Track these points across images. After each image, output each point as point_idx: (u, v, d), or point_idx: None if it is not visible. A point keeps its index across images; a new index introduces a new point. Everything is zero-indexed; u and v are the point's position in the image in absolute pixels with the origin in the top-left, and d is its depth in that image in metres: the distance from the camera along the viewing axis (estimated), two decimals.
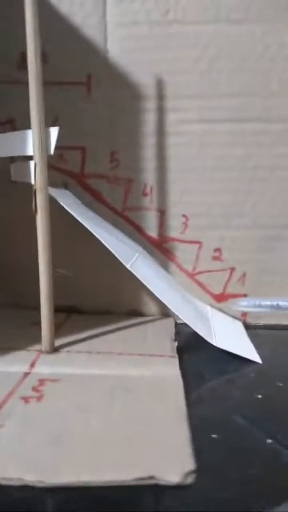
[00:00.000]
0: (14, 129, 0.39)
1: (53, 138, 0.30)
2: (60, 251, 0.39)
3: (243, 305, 0.39)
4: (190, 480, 0.18)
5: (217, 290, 0.40)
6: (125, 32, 0.38)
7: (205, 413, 0.25)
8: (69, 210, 0.32)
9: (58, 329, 0.36)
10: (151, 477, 0.18)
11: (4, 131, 0.39)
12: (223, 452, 0.21)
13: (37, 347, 0.32)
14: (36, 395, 0.25)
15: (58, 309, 0.41)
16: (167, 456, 0.20)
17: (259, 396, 0.27)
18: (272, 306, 0.38)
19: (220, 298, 0.40)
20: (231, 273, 0.40)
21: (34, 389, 0.26)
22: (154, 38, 0.38)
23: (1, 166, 0.39)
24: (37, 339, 0.32)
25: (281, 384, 0.28)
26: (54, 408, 0.24)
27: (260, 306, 0.38)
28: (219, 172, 0.39)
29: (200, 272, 0.40)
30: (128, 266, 0.32)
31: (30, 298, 0.41)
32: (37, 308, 0.41)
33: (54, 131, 0.30)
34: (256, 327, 0.40)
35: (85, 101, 0.39)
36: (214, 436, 0.22)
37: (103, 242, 0.32)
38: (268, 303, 0.38)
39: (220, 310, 0.40)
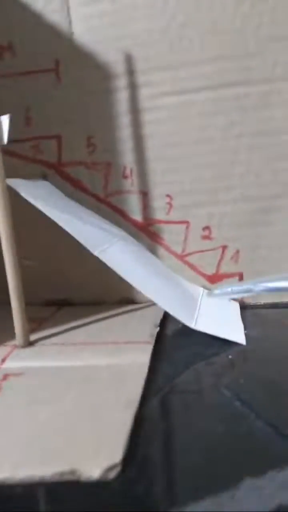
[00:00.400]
0: None
1: (5, 127, 0.29)
2: (44, 243, 0.39)
3: (216, 293, 0.36)
4: (112, 474, 0.16)
5: (210, 271, 0.38)
6: (88, 10, 0.36)
7: (163, 402, 0.23)
8: (31, 200, 0.31)
9: (42, 324, 0.35)
10: (72, 472, 0.17)
11: None
12: (164, 444, 0.19)
13: (13, 342, 0.31)
14: None
15: (49, 303, 0.41)
16: (98, 449, 0.18)
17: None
18: (245, 291, 0.35)
19: (213, 279, 0.38)
20: (223, 252, 0.38)
21: None
22: (118, 13, 0.36)
23: None
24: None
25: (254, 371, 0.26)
26: (6, 402, 0.23)
27: (233, 292, 0.35)
28: (201, 145, 0.37)
29: (190, 253, 0.38)
30: (96, 253, 0.31)
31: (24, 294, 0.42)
32: (27, 303, 0.40)
33: (5, 120, 0.29)
34: (255, 306, 0.37)
35: (56, 88, 0.38)
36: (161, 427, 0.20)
37: (66, 229, 0.31)
38: (239, 287, 0.35)
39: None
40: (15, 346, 0.31)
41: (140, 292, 0.39)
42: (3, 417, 0.22)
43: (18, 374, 0.26)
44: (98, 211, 0.38)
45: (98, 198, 0.39)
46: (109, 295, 0.40)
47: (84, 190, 0.39)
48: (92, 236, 0.32)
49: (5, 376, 0.26)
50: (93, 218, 0.36)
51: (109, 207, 0.39)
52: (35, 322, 0.35)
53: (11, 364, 0.28)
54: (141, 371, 0.25)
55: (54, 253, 0.39)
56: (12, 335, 0.32)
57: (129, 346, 0.29)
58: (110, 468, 0.17)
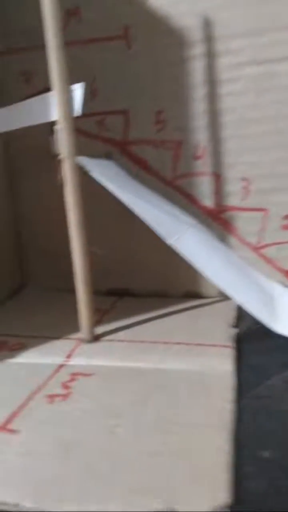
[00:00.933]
0: None
1: (78, 97, 0.26)
2: (107, 229, 0.36)
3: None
4: None
5: None
6: None
7: (258, 423, 0.20)
8: (102, 181, 0.28)
9: (104, 315, 0.33)
10: (171, 510, 0.14)
11: None
12: (275, 478, 0.16)
13: (77, 335, 0.29)
14: (63, 392, 0.22)
15: (108, 293, 0.38)
16: (197, 482, 0.15)
17: None
18: None
19: None
20: None
21: (63, 385, 0.23)
22: None
23: (41, 141, 0.36)
24: (78, 326, 0.29)
25: None
26: (76, 411, 0.20)
27: None
28: (284, 122, 0.32)
29: (266, 245, 0.34)
30: (170, 242, 0.27)
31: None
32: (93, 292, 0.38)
33: (78, 89, 0.26)
34: None
35: (124, 57, 0.34)
36: (265, 454, 0.17)
37: (142, 216, 0.27)
38: None
39: None
40: (80, 340, 0.28)
41: (207, 286, 0.36)
42: (76, 428, 0.19)
43: (87, 374, 0.24)
44: (164, 195, 0.35)
45: (165, 181, 0.35)
46: (173, 287, 0.37)
47: (150, 171, 0.35)
48: (164, 223, 0.29)
49: (73, 376, 0.24)
50: (162, 203, 0.33)
51: (177, 191, 0.35)
52: (97, 314, 0.33)
53: (78, 361, 0.26)
54: (227, 382, 0.22)
55: (116, 241, 0.37)
56: (74, 327, 0.29)
57: (205, 349, 0.26)
58: (219, 508, 0.14)
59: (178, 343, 0.27)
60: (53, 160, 0.37)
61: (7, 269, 0.38)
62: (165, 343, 0.27)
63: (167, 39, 0.33)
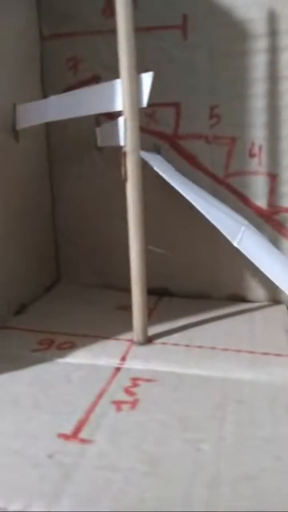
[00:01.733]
0: None
1: (146, 87, 0.25)
2: (150, 225, 0.35)
3: None
4: None
5: None
6: None
7: None
8: (167, 178, 0.27)
9: (149, 315, 0.31)
10: None
11: None
12: None
13: (127, 336, 0.28)
14: (129, 399, 0.21)
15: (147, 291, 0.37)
16: None
17: None
18: None
19: None
20: None
21: (127, 390, 0.22)
22: None
23: (86, 131, 0.35)
24: (127, 326, 0.28)
25: None
26: (151, 422, 0.19)
27: None
28: None
29: None
30: (235, 244, 0.26)
31: (117, 279, 0.38)
32: (125, 290, 0.37)
33: (147, 78, 0.25)
34: None
35: (180, 47, 0.33)
36: None
37: (207, 216, 0.26)
38: None
39: None
40: (132, 342, 0.27)
41: (253, 290, 0.35)
42: (157, 442, 0.18)
43: (149, 380, 0.23)
44: (214, 193, 0.34)
45: (216, 178, 0.34)
46: (216, 289, 0.36)
47: (200, 167, 0.34)
48: (226, 223, 0.27)
49: (134, 381, 0.23)
50: (215, 201, 0.32)
51: (228, 190, 0.34)
52: None
53: (134, 364, 0.25)
54: None
55: (159, 239, 0.35)
56: (121, 327, 0.28)
57: (269, 359, 0.25)
58: None
59: (239, 351, 0.26)
60: (94, 152, 0.36)
61: (45, 264, 0.37)
62: (224, 349, 0.26)
63: (227, 31, 0.32)
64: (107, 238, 0.37)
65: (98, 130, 0.34)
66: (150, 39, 0.33)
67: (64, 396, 0.22)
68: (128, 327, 0.28)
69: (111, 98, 0.26)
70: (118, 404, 0.21)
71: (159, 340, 0.27)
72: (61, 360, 0.25)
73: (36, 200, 0.35)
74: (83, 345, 0.27)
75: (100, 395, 0.21)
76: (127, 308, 0.33)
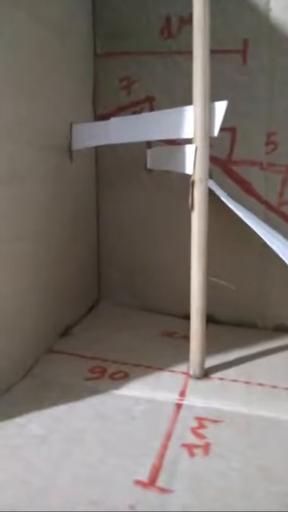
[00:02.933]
0: (152, 108, 0.34)
1: (219, 115, 0.24)
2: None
3: None
4: None
5: None
6: None
7: None
8: (233, 208, 0.26)
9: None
10: None
11: (141, 111, 0.35)
12: None
13: (181, 367, 0.27)
14: (200, 443, 0.20)
15: (188, 316, 0.36)
16: None
17: None
18: None
19: None
20: None
21: (195, 432, 0.21)
22: None
23: (135, 152, 0.34)
24: (177, 356, 0.28)
25: None
26: (230, 471, 0.18)
27: None
28: None
29: None
30: None
31: (157, 302, 0.37)
32: (166, 313, 0.36)
33: (221, 107, 0.24)
34: None
35: (239, 71, 0.32)
36: None
37: (273, 247, 0.25)
38: None
39: None
40: (188, 375, 0.26)
41: None
42: (242, 495, 0.17)
43: (215, 420, 0.22)
44: (265, 220, 0.33)
45: (269, 206, 0.33)
46: (262, 318, 0.35)
47: (253, 194, 0.33)
48: (284, 252, 0.26)
49: (200, 421, 0.22)
50: (270, 229, 0.31)
51: (281, 217, 0.33)
52: (186, 340, 0.31)
53: (194, 401, 0.24)
54: None
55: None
56: (172, 357, 0.28)
57: None
58: None
59: None
60: (143, 174, 0.35)
61: (87, 284, 0.36)
62: (287, 389, 0.25)
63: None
64: (150, 262, 0.37)
65: (149, 152, 0.33)
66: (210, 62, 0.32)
67: (131, 436, 0.21)
68: (180, 357, 0.27)
69: (181, 125, 0.25)
70: (189, 448, 0.20)
71: (216, 375, 0.27)
72: (116, 392, 0.25)
73: (83, 220, 0.34)
74: (137, 376, 0.26)
75: (168, 437, 0.21)
76: (173, 334, 0.33)
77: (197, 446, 0.20)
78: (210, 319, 0.35)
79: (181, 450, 0.20)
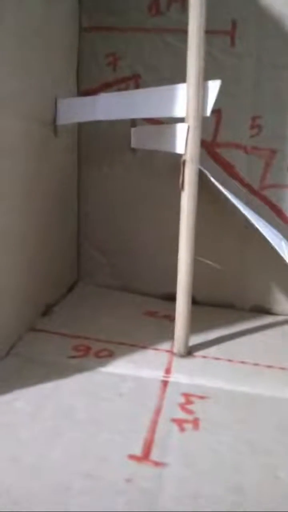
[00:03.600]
0: (138, 86, 0.34)
1: (211, 95, 0.24)
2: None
3: None
4: None
5: None
6: None
7: None
8: (223, 190, 0.26)
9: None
10: None
11: (126, 88, 0.34)
12: None
13: (165, 345, 0.27)
14: (188, 418, 0.21)
15: (168, 297, 0.36)
16: None
17: None
18: None
19: None
20: None
21: (183, 408, 0.21)
22: None
23: (120, 130, 0.34)
24: (160, 334, 0.28)
25: None
26: (220, 444, 0.19)
27: None
28: None
29: None
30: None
31: (139, 283, 0.37)
32: (147, 294, 0.36)
33: (214, 86, 0.24)
34: None
35: (226, 54, 0.32)
36: None
37: (258, 227, 0.26)
38: None
39: None
40: (172, 353, 0.27)
41: (278, 303, 0.35)
42: (234, 468, 0.18)
43: (202, 397, 0.22)
44: (248, 203, 0.33)
45: (251, 189, 0.34)
46: (240, 299, 0.36)
47: (236, 177, 0.34)
48: (273, 237, 0.27)
49: (187, 397, 0.22)
50: (253, 212, 0.31)
51: (262, 201, 0.34)
52: (166, 320, 0.31)
53: (180, 378, 0.24)
54: None
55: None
56: (155, 335, 0.28)
57: None
58: None
59: (283, 368, 0.26)
60: (127, 153, 0.35)
61: (67, 264, 0.36)
62: (269, 367, 0.26)
63: (278, 43, 0.31)
64: (131, 242, 0.36)
65: (133, 130, 0.33)
66: None
67: (120, 412, 0.21)
68: (163, 335, 0.28)
69: (172, 103, 0.25)
70: (179, 422, 0.20)
71: (200, 353, 0.27)
72: (102, 369, 0.25)
73: (64, 198, 0.34)
74: (122, 354, 0.26)
75: (157, 412, 0.21)
76: (154, 314, 0.33)
77: (186, 421, 0.20)
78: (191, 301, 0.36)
79: (171, 425, 0.20)
